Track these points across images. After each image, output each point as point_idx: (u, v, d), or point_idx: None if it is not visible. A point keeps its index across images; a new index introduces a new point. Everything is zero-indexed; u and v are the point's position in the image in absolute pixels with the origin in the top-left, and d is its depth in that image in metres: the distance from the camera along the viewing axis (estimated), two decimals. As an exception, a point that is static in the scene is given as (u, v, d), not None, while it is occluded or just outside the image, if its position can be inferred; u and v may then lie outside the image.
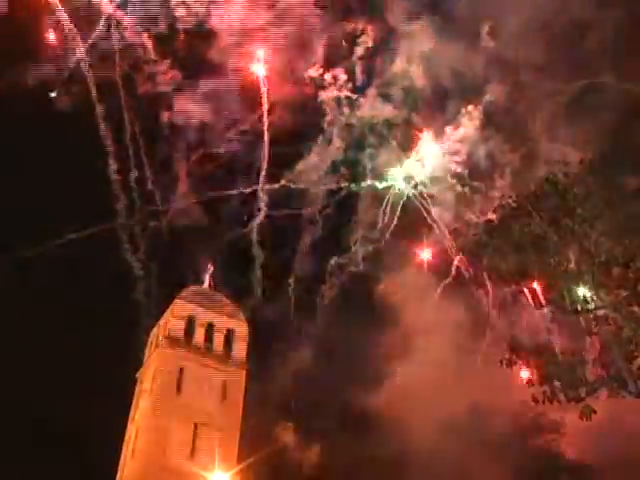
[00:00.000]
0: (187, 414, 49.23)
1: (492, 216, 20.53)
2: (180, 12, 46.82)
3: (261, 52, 48.14)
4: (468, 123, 49.95)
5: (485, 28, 50.11)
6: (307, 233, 57.92)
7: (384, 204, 52.03)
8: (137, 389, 54.52)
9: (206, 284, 58.95)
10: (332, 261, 57.07)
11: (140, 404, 52.07)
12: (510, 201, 20.09)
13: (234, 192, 53.39)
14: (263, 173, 52.77)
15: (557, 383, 18.97)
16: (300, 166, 54.54)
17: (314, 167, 54.84)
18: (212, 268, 59.56)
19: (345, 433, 57.78)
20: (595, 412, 18.56)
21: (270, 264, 57.64)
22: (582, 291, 19.22)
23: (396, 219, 51.70)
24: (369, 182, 52.82)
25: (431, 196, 50.86)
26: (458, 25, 52.17)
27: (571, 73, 48.44)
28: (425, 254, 48.56)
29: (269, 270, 57.65)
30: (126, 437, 51.80)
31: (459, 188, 50.08)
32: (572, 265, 19.37)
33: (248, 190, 53.69)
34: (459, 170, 50.29)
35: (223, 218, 59.43)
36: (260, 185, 52.75)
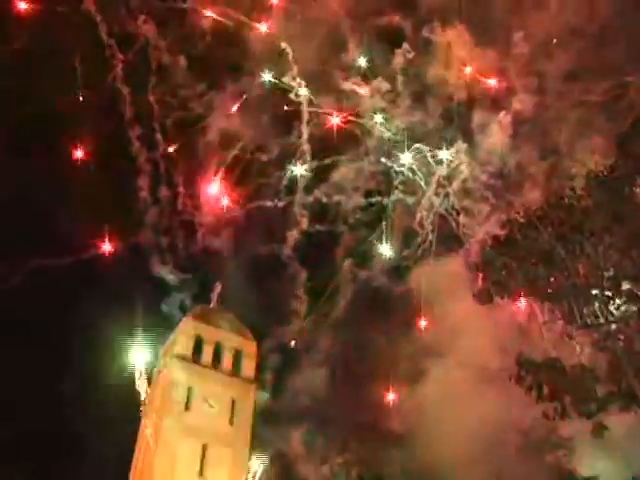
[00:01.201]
0: (196, 432, 48.97)
1: (500, 232, 20.46)
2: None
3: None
4: (498, 132, 49.92)
5: (517, 35, 50.09)
6: (340, 247, 57.47)
7: (417, 217, 51.98)
8: (145, 408, 54.39)
9: (214, 302, 58.89)
10: (358, 273, 56.68)
11: (148, 423, 51.92)
12: (517, 216, 20.04)
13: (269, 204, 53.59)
14: (300, 186, 53.05)
15: (568, 399, 18.80)
16: (335, 178, 54.98)
17: (348, 179, 55.04)
18: (220, 286, 59.48)
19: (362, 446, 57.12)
20: (607, 429, 18.39)
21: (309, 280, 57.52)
22: (591, 306, 19.11)
23: (429, 233, 51.44)
24: (400, 195, 52.74)
25: (463, 208, 50.85)
26: (490, 32, 52.04)
27: (600, 80, 48.06)
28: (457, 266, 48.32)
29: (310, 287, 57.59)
30: (134, 456, 51.61)
31: (490, 199, 49.96)
32: (581, 279, 19.26)
33: (282, 204, 54.04)
34: (491, 181, 50.08)
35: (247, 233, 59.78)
36: (297, 198, 52.79)
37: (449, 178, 52.07)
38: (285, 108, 52.07)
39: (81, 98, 44.87)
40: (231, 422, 50.84)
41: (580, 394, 18.79)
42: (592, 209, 19.13)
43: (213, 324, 55.69)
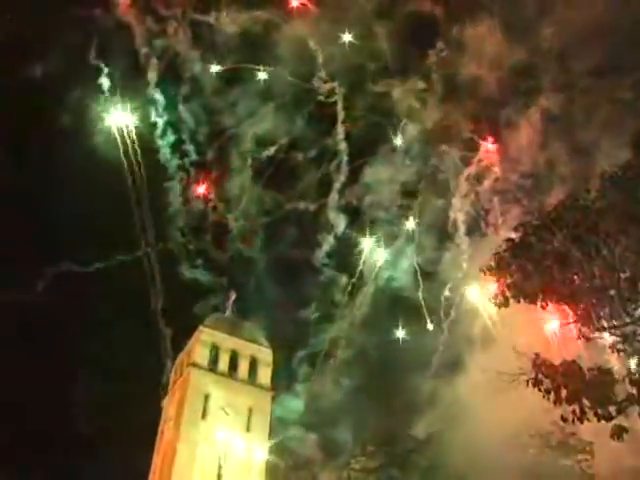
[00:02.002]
0: (213, 440, 49.12)
1: (514, 235, 20.36)
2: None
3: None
4: (528, 129, 49.59)
5: (547, 31, 49.78)
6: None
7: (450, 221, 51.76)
8: (162, 417, 54.55)
9: (229, 311, 59.07)
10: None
11: (166, 432, 52.06)
12: (531, 219, 19.94)
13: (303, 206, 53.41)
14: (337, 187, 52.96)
15: (586, 402, 18.62)
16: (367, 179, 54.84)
17: (380, 181, 54.94)
18: (234, 295, 59.67)
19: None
20: (626, 431, 18.20)
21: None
22: (608, 307, 18.96)
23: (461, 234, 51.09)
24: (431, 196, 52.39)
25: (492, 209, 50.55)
26: (520, 27, 51.67)
27: (630, 75, 47.56)
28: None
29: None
30: (152, 464, 51.75)
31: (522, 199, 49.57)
32: (597, 281, 19.12)
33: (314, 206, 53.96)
34: (522, 181, 49.62)
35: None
36: (333, 201, 52.63)
37: (479, 178, 51.80)
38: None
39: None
40: (248, 429, 50.97)
41: (598, 397, 18.61)
42: (607, 210, 19.00)
43: (229, 332, 55.92)
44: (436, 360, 54.19)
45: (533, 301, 19.88)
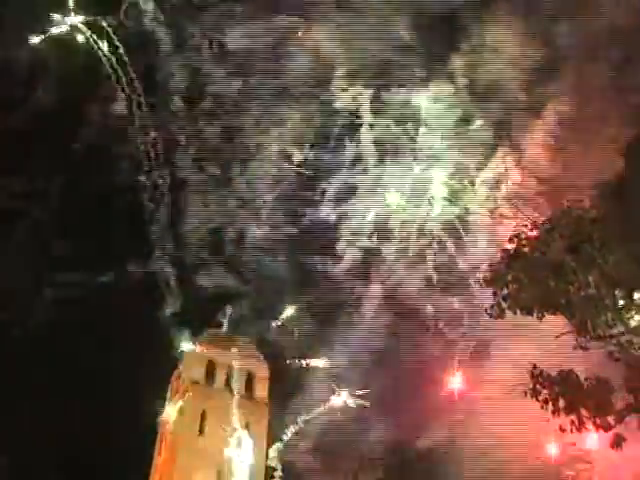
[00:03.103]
0: (210, 457, 48.88)
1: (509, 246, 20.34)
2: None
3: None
4: (541, 134, 49.50)
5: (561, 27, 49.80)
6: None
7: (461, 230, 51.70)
8: (159, 433, 54.28)
9: (225, 327, 58.97)
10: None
11: (163, 449, 51.78)
12: (526, 230, 19.95)
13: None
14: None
15: (584, 411, 18.60)
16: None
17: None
18: (231, 310, 59.63)
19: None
20: (625, 440, 18.19)
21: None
22: (604, 317, 18.97)
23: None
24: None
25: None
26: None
27: None
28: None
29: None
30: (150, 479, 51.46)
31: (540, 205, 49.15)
32: (593, 290, 19.13)
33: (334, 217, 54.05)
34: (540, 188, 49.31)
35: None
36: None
37: (497, 183, 51.69)
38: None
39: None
40: (246, 445, 50.71)
41: (597, 406, 18.60)
42: (601, 219, 19.05)
43: (225, 348, 55.76)
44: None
45: (529, 312, 19.88)
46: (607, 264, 18.77)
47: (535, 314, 19.81)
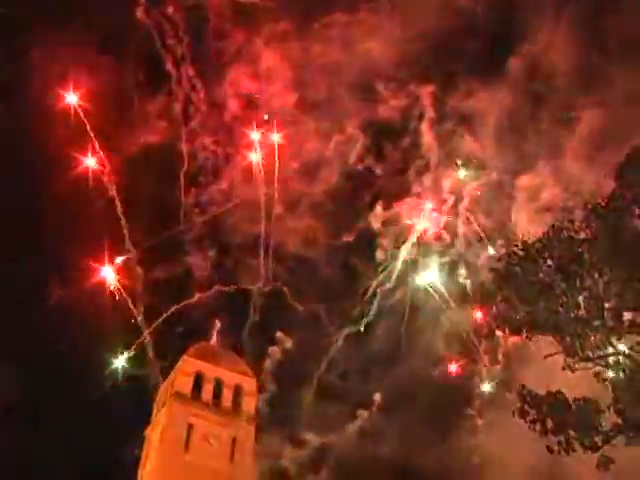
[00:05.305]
0: (196, 472, 48.34)
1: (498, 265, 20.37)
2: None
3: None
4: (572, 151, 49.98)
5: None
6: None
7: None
8: (145, 447, 53.73)
9: (214, 340, 58.67)
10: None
11: (148, 463, 51.24)
12: (516, 249, 19.98)
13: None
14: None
15: (572, 432, 18.58)
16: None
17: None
18: (219, 324, 59.35)
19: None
20: (613, 462, 18.16)
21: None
22: (593, 338, 18.99)
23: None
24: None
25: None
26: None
27: None
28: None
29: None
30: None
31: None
32: (582, 311, 19.17)
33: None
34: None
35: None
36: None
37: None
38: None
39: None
40: (232, 460, 50.26)
41: (584, 427, 18.58)
42: (591, 240, 19.11)
43: (213, 361, 55.37)
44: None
45: (518, 332, 19.89)
46: (596, 285, 18.83)
47: (524, 334, 19.83)
